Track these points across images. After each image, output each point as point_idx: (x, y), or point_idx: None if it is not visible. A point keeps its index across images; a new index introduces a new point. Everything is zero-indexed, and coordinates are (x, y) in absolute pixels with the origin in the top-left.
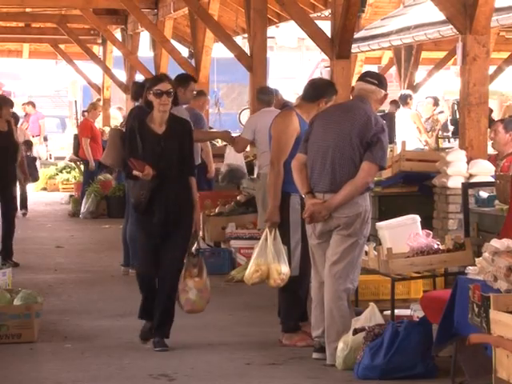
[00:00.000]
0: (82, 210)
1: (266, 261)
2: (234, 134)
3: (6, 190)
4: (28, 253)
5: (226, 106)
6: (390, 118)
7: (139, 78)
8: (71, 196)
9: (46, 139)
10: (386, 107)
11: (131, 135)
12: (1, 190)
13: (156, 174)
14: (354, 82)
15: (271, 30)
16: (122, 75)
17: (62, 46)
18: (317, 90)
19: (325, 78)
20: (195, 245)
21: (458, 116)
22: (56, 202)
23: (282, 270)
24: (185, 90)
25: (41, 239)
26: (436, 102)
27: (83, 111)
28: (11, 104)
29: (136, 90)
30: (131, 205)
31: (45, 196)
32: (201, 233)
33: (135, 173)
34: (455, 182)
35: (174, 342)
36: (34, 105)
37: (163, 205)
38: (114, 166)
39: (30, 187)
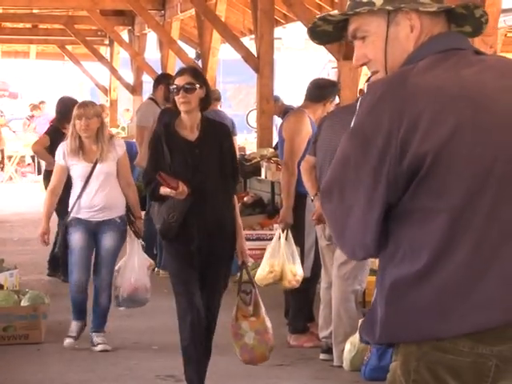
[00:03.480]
0: None
1: (280, 262)
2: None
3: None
4: (35, 253)
5: (233, 107)
6: None
7: (146, 79)
8: None
9: None
10: None
11: (156, 143)
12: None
13: (190, 192)
14: (360, 83)
15: (278, 31)
16: (129, 76)
17: (69, 47)
18: (322, 90)
19: (327, 78)
20: (245, 278)
21: None
22: None
23: (298, 272)
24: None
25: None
26: None
27: None
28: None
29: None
30: (158, 231)
31: None
32: None
33: (164, 191)
34: None
35: None
36: (36, 106)
37: (202, 230)
38: None
39: (39, 188)
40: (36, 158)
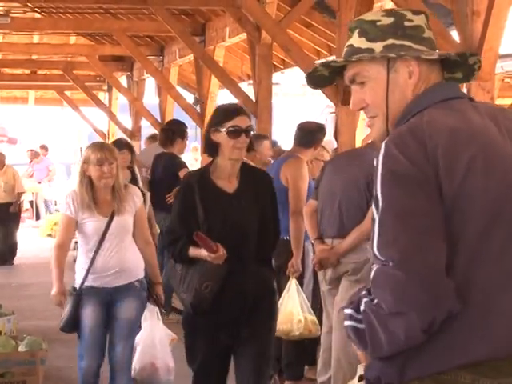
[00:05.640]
0: None
1: (300, 311)
2: None
3: None
4: (33, 299)
5: None
6: None
7: (145, 124)
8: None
9: (50, 186)
10: None
11: (185, 195)
12: None
13: (227, 255)
14: (358, 128)
15: (276, 76)
16: (127, 121)
17: (67, 93)
18: (313, 135)
19: (314, 122)
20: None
21: None
22: None
23: (315, 320)
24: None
25: (46, 285)
26: None
27: None
28: (129, 148)
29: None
30: (185, 303)
31: (50, 242)
32: None
33: (197, 254)
34: None
35: None
36: (37, 153)
37: (239, 301)
38: None
39: (37, 234)
40: (34, 204)
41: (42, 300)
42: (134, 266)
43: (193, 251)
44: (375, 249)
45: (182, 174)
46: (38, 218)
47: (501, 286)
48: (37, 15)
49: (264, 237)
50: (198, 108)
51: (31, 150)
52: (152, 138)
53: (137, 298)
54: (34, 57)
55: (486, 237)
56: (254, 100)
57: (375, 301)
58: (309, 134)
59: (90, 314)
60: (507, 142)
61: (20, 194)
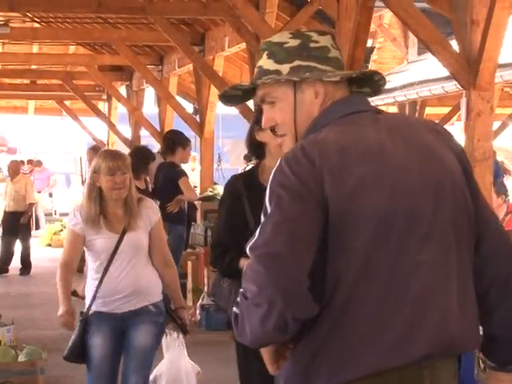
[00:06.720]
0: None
1: None
2: None
3: None
4: (32, 309)
5: (231, 162)
6: None
7: (144, 133)
8: None
9: (51, 195)
10: None
11: (233, 201)
12: None
13: None
14: None
15: None
16: (127, 131)
17: (67, 103)
18: None
19: None
20: None
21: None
22: None
23: None
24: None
25: (45, 295)
26: None
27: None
28: (145, 158)
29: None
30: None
31: (49, 252)
32: (206, 288)
33: None
34: None
35: None
36: (39, 162)
37: None
38: None
39: (35, 243)
40: (34, 213)
41: (42, 310)
42: (148, 288)
43: (245, 263)
44: (248, 248)
45: (181, 182)
46: (37, 227)
47: (390, 299)
48: (36, 25)
49: None
50: (197, 118)
51: (29, 160)
52: (93, 148)
53: (152, 324)
54: (34, 67)
55: (375, 252)
56: (253, 109)
57: (243, 291)
58: None
59: (99, 344)
60: (403, 155)
61: (31, 205)
